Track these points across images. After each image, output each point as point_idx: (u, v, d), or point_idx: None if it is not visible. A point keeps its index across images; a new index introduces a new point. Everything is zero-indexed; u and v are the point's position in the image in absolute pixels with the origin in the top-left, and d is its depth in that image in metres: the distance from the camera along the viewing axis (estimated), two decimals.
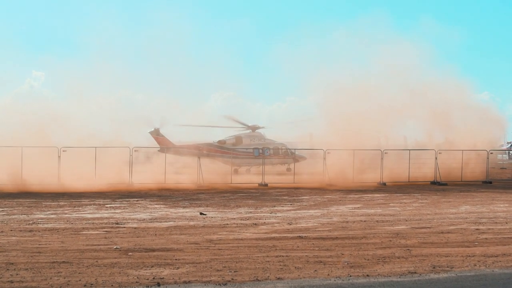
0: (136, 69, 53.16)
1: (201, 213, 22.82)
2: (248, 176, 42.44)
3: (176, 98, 50.92)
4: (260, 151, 44.01)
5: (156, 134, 42.63)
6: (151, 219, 21.26)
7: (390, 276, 12.32)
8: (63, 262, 13.31)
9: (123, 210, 23.99)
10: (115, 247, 15.25)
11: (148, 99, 44.47)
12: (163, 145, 41.97)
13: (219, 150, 44.91)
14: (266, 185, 36.60)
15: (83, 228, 18.86)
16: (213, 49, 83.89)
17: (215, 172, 40.39)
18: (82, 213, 22.86)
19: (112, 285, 11.44)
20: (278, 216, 22.27)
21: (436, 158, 39.83)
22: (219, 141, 45.94)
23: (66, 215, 22.14)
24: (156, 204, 26.71)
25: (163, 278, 11.94)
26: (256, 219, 21.40)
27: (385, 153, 39.06)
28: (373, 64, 48.91)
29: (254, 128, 47.45)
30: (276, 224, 19.95)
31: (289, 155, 45.52)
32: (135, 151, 35.96)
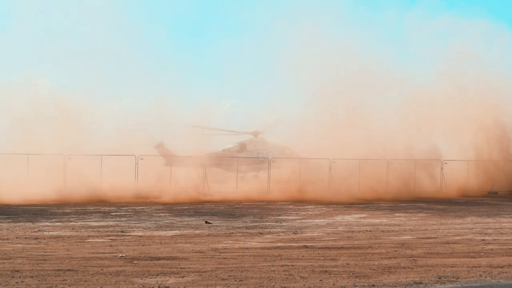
0: (137, 76, 53.08)
1: (206, 222, 22.82)
2: (254, 184, 42.33)
3: (179, 106, 50.71)
4: (264, 155, 43.92)
5: (160, 148, 42.45)
6: (156, 227, 21.27)
7: (395, 286, 12.28)
8: (69, 270, 13.32)
9: (129, 218, 24.02)
10: (120, 255, 15.26)
11: (151, 107, 44.16)
12: (168, 157, 41.77)
13: (225, 158, 44.85)
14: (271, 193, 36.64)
15: (89, 236, 18.88)
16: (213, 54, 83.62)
17: (220, 181, 40.37)
18: (87, 221, 22.90)
19: None
20: (283, 225, 22.25)
21: (442, 168, 39.75)
22: (224, 150, 45.95)
23: (72, 223, 22.17)
24: (161, 212, 26.73)
25: (168, 286, 11.93)
26: (262, 228, 21.39)
27: (391, 163, 38.97)
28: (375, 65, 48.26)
29: (256, 134, 47.36)
30: (281, 234, 19.93)
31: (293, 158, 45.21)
32: (140, 159, 36.04)
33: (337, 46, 46.82)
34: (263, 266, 14.08)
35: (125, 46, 55.13)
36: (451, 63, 47.26)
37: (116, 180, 34.74)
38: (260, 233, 20.01)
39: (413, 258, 15.39)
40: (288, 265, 14.17)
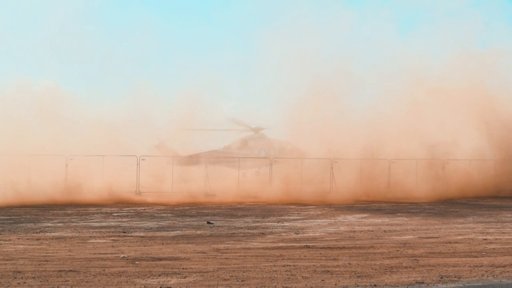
0: (139, 76, 53.04)
1: (208, 222, 22.81)
2: (256, 184, 42.23)
3: (179, 107, 50.69)
4: (266, 152, 43.81)
5: (161, 147, 42.35)
6: (158, 227, 21.27)
7: (397, 286, 12.28)
8: (70, 270, 13.33)
9: (130, 219, 24.02)
10: (122, 255, 15.26)
11: (152, 108, 44.07)
12: (170, 157, 41.61)
13: (226, 156, 44.73)
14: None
15: (90, 236, 18.89)
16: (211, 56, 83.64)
17: (222, 180, 40.32)
18: (89, 222, 22.90)
19: None
20: (285, 226, 22.25)
21: (443, 168, 39.67)
22: (225, 147, 45.85)
23: (73, 224, 22.18)
24: (163, 213, 26.73)
25: (170, 287, 11.93)
26: (263, 228, 21.39)
27: (392, 162, 38.91)
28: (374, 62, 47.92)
29: (257, 130, 47.24)
30: (283, 234, 19.93)
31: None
32: (142, 159, 36.04)
33: (337, 44, 46.82)
34: (265, 266, 14.08)
35: (126, 47, 55.19)
36: (450, 59, 47.12)
37: (117, 180, 34.72)
38: (262, 233, 20.01)
39: (415, 258, 15.38)
40: (290, 265, 14.17)
